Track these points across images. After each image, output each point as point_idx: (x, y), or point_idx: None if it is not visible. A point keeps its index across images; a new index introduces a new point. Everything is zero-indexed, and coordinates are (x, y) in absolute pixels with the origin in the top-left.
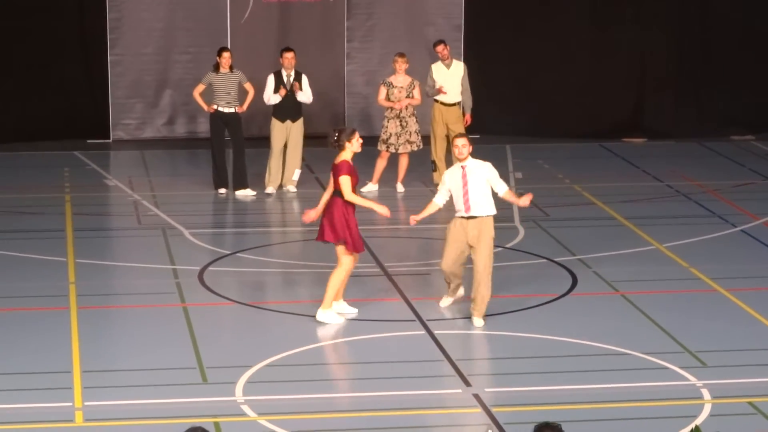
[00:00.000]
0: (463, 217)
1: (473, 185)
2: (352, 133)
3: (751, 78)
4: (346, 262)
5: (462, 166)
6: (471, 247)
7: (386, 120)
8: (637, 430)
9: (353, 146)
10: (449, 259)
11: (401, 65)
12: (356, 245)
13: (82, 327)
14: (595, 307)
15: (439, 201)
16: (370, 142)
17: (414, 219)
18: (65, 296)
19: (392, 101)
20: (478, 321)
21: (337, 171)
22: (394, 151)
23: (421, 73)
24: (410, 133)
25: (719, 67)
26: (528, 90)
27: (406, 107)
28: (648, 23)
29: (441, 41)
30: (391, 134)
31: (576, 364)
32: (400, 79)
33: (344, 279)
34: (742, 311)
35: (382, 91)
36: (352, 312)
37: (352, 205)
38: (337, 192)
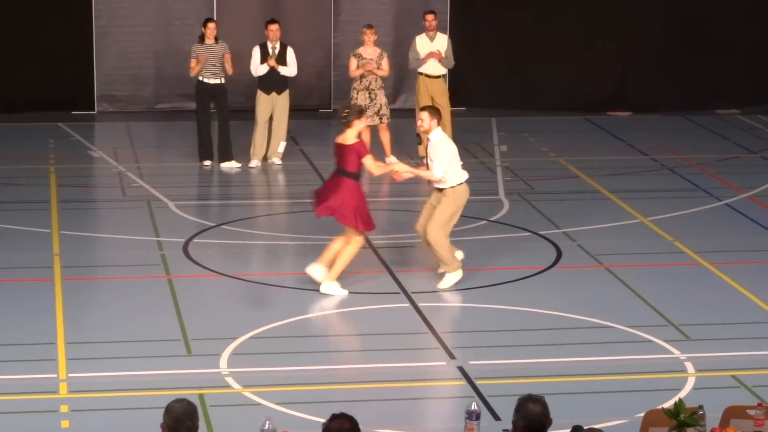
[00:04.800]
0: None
1: None
2: (361, 112)
3: (737, 52)
4: (356, 240)
5: None
6: None
7: (355, 92)
8: (621, 403)
9: (359, 125)
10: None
11: (370, 37)
12: (364, 226)
13: (66, 298)
14: (580, 280)
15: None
16: None
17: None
18: (50, 268)
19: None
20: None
21: (355, 152)
22: None
23: (408, 46)
24: (380, 105)
25: (706, 41)
26: (514, 63)
27: (375, 79)
28: None
29: (432, 11)
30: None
31: (560, 337)
32: (369, 51)
33: (354, 255)
34: (726, 284)
35: (353, 62)
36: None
37: (360, 185)
38: (346, 172)
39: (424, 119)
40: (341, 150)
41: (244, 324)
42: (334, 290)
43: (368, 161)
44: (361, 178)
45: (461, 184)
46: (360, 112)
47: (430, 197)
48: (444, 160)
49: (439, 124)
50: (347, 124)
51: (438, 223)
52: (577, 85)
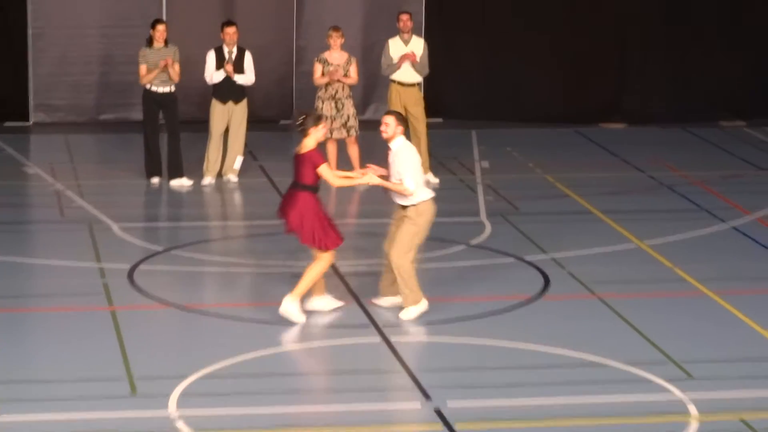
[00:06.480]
0: None
1: None
2: (319, 119)
3: (742, 58)
4: (323, 257)
5: None
6: None
7: (320, 101)
8: None
9: (318, 133)
10: None
11: (336, 40)
12: (330, 242)
13: None
14: (570, 311)
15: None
16: None
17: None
18: None
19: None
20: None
21: (309, 162)
22: (328, 135)
23: (380, 49)
24: (347, 116)
25: (708, 46)
26: (496, 69)
27: (343, 87)
28: None
29: (407, 11)
30: (326, 117)
31: (548, 375)
32: (336, 56)
33: (321, 273)
34: (732, 316)
35: (318, 69)
36: (338, 304)
37: (318, 199)
38: (302, 185)
39: (389, 124)
40: (296, 160)
41: (196, 361)
42: (292, 313)
43: (324, 171)
44: (318, 191)
45: (425, 201)
46: (318, 118)
47: (395, 214)
48: (412, 171)
49: (403, 133)
50: (303, 132)
51: (401, 248)
52: (566, 94)
